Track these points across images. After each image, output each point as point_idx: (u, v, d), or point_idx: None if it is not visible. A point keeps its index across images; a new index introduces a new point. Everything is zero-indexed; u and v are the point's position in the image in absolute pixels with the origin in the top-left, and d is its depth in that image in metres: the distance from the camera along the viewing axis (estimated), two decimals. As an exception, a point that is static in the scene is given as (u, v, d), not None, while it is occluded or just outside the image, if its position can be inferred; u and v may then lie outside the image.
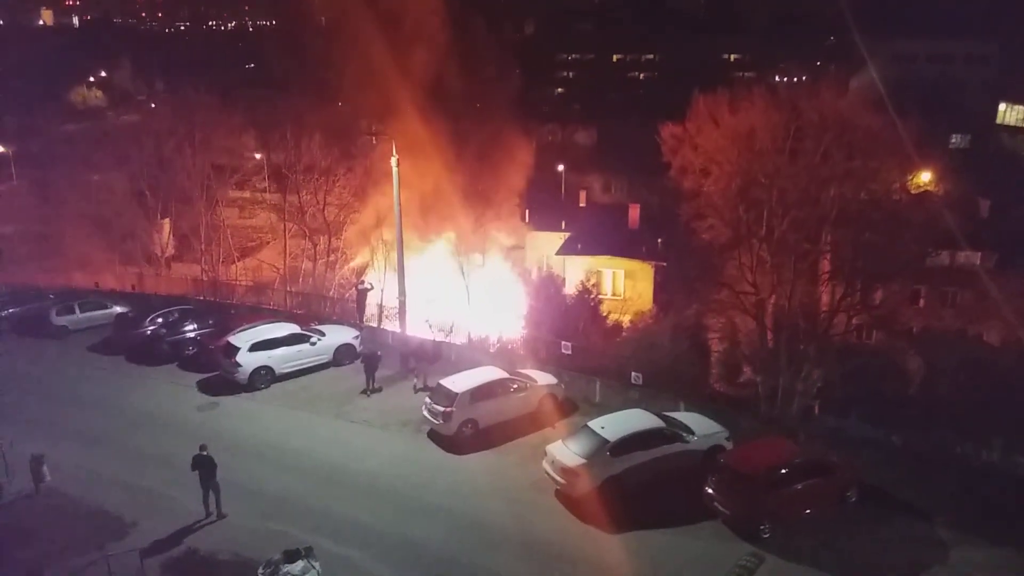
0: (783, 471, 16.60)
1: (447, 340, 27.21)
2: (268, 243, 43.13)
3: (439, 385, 20.61)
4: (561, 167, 54.61)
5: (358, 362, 24.42)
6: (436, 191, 38.99)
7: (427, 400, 20.53)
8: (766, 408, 23.49)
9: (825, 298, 27.22)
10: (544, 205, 47.35)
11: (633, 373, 22.06)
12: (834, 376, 25.10)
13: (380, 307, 30.53)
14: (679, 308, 30.99)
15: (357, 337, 26.04)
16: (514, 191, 42.25)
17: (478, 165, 39.70)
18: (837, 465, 17.16)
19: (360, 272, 39.87)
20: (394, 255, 30.41)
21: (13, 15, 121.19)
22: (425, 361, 23.64)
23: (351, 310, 31.16)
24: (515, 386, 20.92)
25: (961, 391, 24.71)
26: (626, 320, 34.87)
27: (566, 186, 53.88)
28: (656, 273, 37.76)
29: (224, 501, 17.34)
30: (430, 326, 27.67)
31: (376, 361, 23.25)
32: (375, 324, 28.72)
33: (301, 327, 25.07)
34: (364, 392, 22.86)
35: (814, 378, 25.08)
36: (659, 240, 38.47)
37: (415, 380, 23.12)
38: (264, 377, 23.41)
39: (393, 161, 25.06)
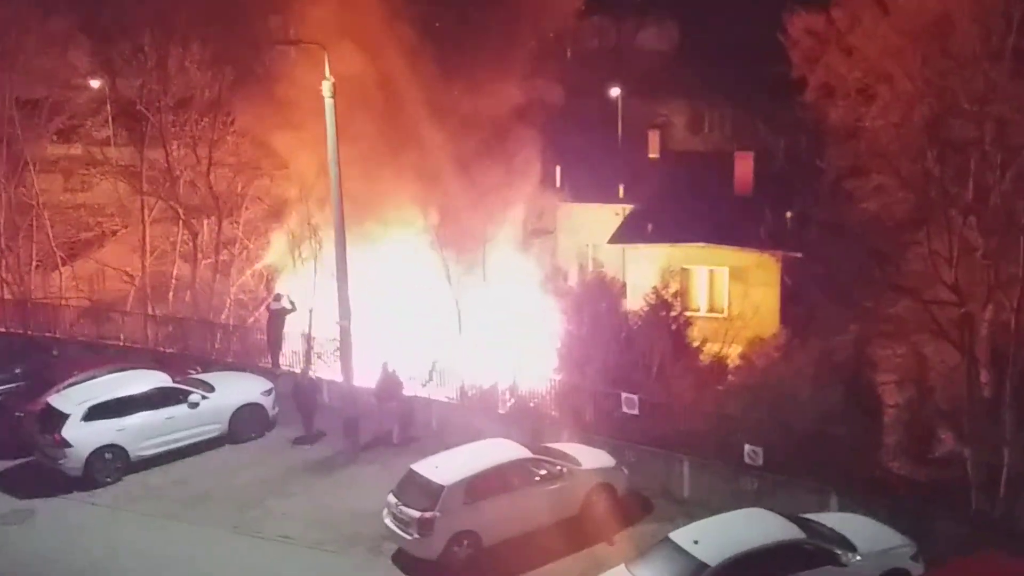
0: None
1: (423, 394, 27.18)
2: (115, 233, 43.52)
3: (411, 473, 20.59)
4: (616, 90, 54.74)
5: (276, 432, 24.70)
6: (403, 139, 39.11)
7: (391, 499, 20.51)
8: (980, 502, 23.21)
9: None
10: (588, 159, 47.48)
11: (747, 447, 21.95)
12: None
13: (309, 339, 30.67)
14: (825, 331, 30.82)
15: (269, 392, 26.15)
16: (534, 135, 42.29)
17: (472, 91, 39.86)
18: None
19: (273, 281, 40.04)
20: (329, 252, 30.46)
21: None
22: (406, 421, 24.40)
23: (259, 345, 31.24)
24: (543, 472, 20.93)
25: None
26: (733, 353, 34.67)
27: (625, 124, 54.02)
28: (785, 271, 37.60)
29: None
30: (391, 371, 27.71)
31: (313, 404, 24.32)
32: (300, 367, 28.92)
33: (174, 378, 25.35)
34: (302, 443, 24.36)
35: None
36: (788, 214, 38.27)
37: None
38: (111, 464, 23.59)
39: (326, 88, 25.15)
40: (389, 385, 25.94)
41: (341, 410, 25.71)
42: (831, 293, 31.00)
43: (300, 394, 26.11)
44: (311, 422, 25.96)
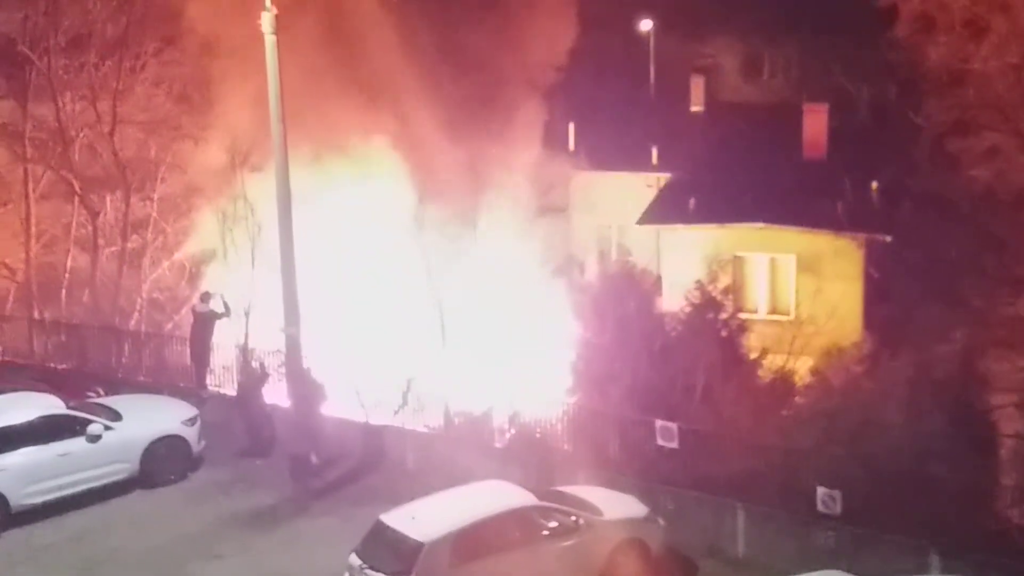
0: None
1: (396, 423, 27.31)
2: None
3: (380, 526, 20.61)
4: (647, 24, 54.87)
5: (202, 473, 24.61)
6: (370, 89, 39.11)
7: (354, 561, 20.54)
8: None
9: None
10: (610, 114, 47.47)
11: (821, 491, 22.05)
12: None
13: (244, 352, 30.71)
14: (923, 339, 30.86)
15: (192, 421, 26.24)
16: (540, 83, 42.32)
17: (460, 26, 39.91)
18: None
19: (198, 275, 40.07)
20: (272, 237, 30.38)
21: None
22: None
23: (180, 359, 31.24)
24: (552, 525, 20.98)
25: None
26: (802, 368, 34.69)
27: (660, 68, 54.06)
28: (869, 260, 37.68)
29: None
30: (359, 396, 27.78)
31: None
32: (239, 391, 28.98)
33: (68, 402, 25.35)
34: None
35: None
36: (873, 186, 38.26)
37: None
38: (-15, 516, 23.65)
39: (266, 21, 25.13)
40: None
41: (287, 444, 25.69)
42: (930, 289, 31.01)
43: (242, 391, 26.38)
44: (259, 426, 26.09)
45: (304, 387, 26.06)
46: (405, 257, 37.70)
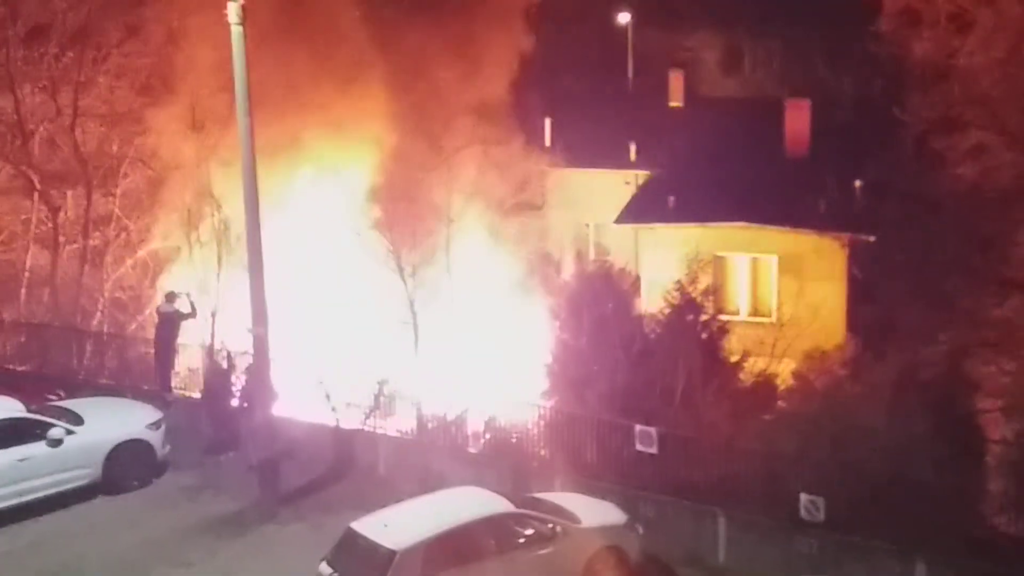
0: None
1: (366, 427, 27.30)
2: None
3: (351, 535, 20.54)
4: (625, 16, 54.99)
5: (168, 478, 24.56)
6: (338, 79, 39.07)
7: (324, 570, 20.47)
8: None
9: None
10: (587, 109, 47.49)
11: (804, 497, 22.06)
12: None
13: (211, 354, 30.64)
14: (908, 341, 30.99)
15: (157, 425, 26.18)
16: (514, 76, 42.31)
17: (431, 15, 39.96)
18: None
19: (162, 274, 39.94)
20: (239, 233, 30.31)
21: None
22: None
23: (144, 361, 31.12)
24: (528, 532, 20.93)
25: None
26: (784, 371, 34.79)
27: (638, 61, 54.17)
28: (853, 260, 37.82)
29: None
30: (328, 399, 27.72)
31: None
32: (206, 386, 29.00)
33: (27, 406, 25.22)
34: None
35: None
36: (857, 184, 38.37)
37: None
38: (-59, 523, 23.50)
39: (232, 11, 25.03)
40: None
41: (255, 448, 25.60)
42: (915, 290, 31.08)
43: (212, 392, 26.61)
44: (225, 421, 26.10)
45: (253, 385, 26.08)
46: (375, 257, 37.70)
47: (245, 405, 26.49)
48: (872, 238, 36.81)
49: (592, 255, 43.78)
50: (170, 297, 30.84)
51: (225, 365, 28.35)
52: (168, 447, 26.25)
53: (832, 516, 21.80)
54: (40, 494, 24.36)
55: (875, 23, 29.06)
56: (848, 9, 32.56)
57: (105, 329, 37.18)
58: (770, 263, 39.22)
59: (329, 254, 38.74)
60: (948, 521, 22.40)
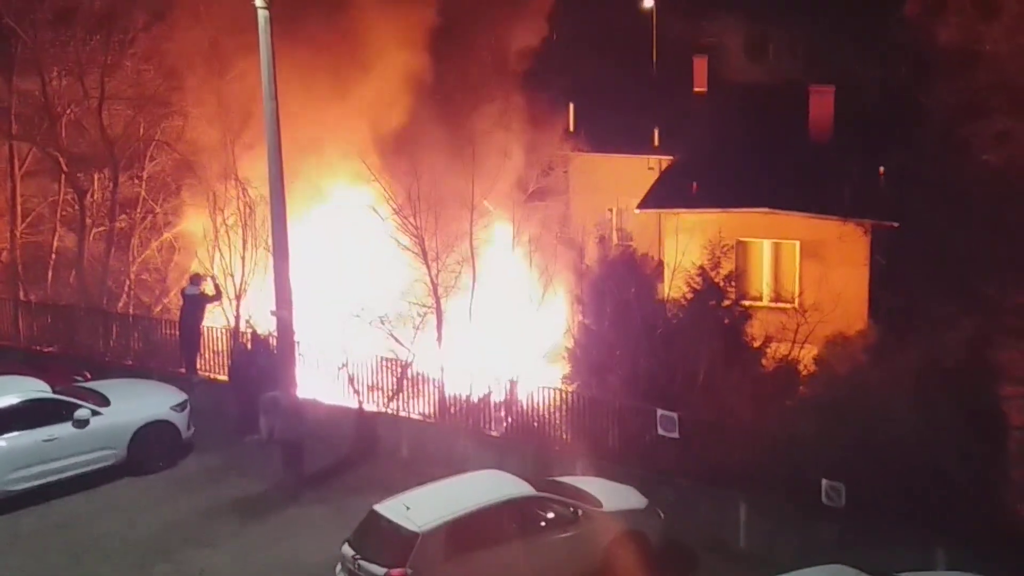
0: None
1: (389, 410, 27.33)
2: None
3: (374, 516, 20.58)
4: (650, 2, 54.92)
5: (192, 459, 24.66)
6: (363, 64, 39.07)
7: (347, 551, 20.52)
8: None
9: None
10: (611, 94, 47.34)
11: (825, 483, 22.05)
12: None
13: (236, 335, 30.62)
14: (930, 327, 30.86)
15: (182, 406, 26.26)
16: (539, 62, 42.22)
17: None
18: None
19: (187, 255, 40.00)
20: (264, 216, 30.34)
21: None
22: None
23: (169, 343, 31.20)
24: (550, 516, 20.98)
25: None
26: (807, 357, 34.70)
27: (662, 47, 54.01)
28: (876, 246, 37.73)
29: None
30: (351, 382, 27.74)
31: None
32: (232, 366, 29.05)
33: (54, 387, 25.33)
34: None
35: None
36: (881, 170, 38.21)
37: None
38: (-32, 502, 23.66)
39: (258, -6, 25.04)
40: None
41: (273, 428, 25.63)
42: (939, 276, 30.94)
43: (238, 372, 26.76)
44: (249, 401, 26.19)
45: (266, 363, 26.20)
46: (401, 239, 37.69)
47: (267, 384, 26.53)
48: (895, 224, 36.67)
49: (615, 240, 43.66)
50: (195, 279, 30.89)
51: (250, 347, 28.43)
52: (193, 429, 26.34)
53: (854, 501, 21.79)
54: (66, 474, 24.54)
55: (900, 8, 28.88)
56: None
57: (131, 311, 37.24)
58: (793, 248, 39.09)
59: (354, 238, 38.78)
60: (970, 508, 22.39)
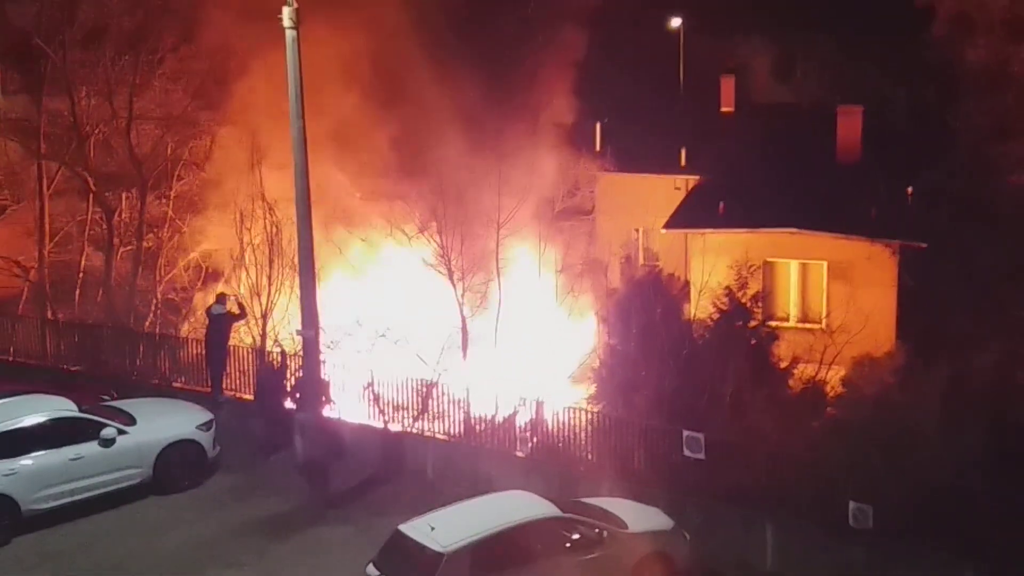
0: None
1: (414, 430, 27.33)
2: (2, 211, 43.74)
3: (399, 537, 20.57)
4: (677, 22, 54.90)
5: (217, 479, 24.60)
6: (390, 85, 39.18)
7: (371, 572, 20.52)
8: None
9: None
10: (638, 114, 47.37)
11: (853, 504, 21.94)
12: None
13: (261, 354, 30.66)
14: (959, 349, 30.74)
15: (207, 426, 26.31)
16: (567, 82, 42.29)
17: (483, 22, 39.97)
18: None
19: (214, 277, 40.12)
20: (291, 237, 30.42)
21: None
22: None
23: (195, 363, 31.30)
24: (575, 537, 20.91)
25: None
26: (834, 378, 34.58)
27: (689, 67, 54.02)
28: (904, 267, 37.54)
29: None
30: (377, 401, 27.77)
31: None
32: (259, 384, 29.11)
33: (81, 405, 25.34)
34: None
35: None
36: (909, 191, 38.08)
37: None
38: (-4, 521, 23.74)
39: (286, 15, 25.15)
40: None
41: (304, 449, 25.69)
42: (967, 297, 30.79)
43: (264, 391, 27.07)
44: (275, 420, 26.28)
45: (303, 386, 26.29)
46: (427, 260, 37.76)
47: (295, 406, 26.59)
48: (924, 245, 36.52)
49: (641, 260, 43.65)
50: (221, 299, 30.95)
51: (277, 366, 28.51)
52: (218, 448, 26.37)
53: (881, 524, 21.67)
54: (92, 493, 24.53)
55: (929, 29, 28.83)
56: (901, 15, 32.32)
57: (157, 330, 37.33)
58: (820, 269, 38.97)
59: (381, 259, 38.90)
60: (999, 530, 22.27)
